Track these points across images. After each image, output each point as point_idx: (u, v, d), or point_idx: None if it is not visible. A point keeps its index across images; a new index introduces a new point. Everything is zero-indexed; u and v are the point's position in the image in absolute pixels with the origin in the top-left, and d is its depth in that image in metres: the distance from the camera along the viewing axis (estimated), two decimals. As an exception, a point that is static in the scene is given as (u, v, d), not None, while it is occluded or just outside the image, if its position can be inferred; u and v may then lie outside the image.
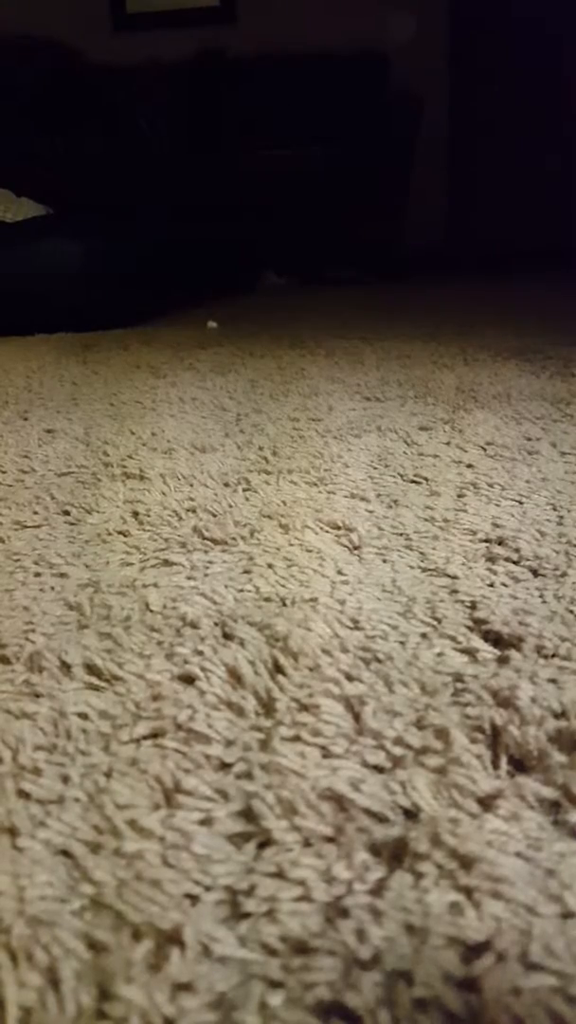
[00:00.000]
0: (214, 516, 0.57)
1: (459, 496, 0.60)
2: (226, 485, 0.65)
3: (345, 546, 0.51)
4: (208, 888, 0.25)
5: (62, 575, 0.49)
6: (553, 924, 0.24)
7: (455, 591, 0.44)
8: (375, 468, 0.68)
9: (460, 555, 0.49)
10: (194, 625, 0.41)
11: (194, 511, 0.58)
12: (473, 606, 0.42)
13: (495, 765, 0.30)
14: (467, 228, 3.00)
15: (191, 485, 0.65)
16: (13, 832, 0.28)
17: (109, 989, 0.22)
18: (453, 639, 0.39)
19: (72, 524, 0.57)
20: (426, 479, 0.64)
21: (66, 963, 0.23)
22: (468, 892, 0.25)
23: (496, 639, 0.39)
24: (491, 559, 0.48)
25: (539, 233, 2.90)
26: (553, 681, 0.35)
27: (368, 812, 0.28)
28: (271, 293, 2.36)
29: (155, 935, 0.24)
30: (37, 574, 0.49)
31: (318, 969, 0.23)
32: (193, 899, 0.25)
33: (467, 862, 0.26)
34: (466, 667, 0.37)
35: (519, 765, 0.31)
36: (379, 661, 0.37)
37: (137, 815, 0.28)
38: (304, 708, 0.34)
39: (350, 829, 0.27)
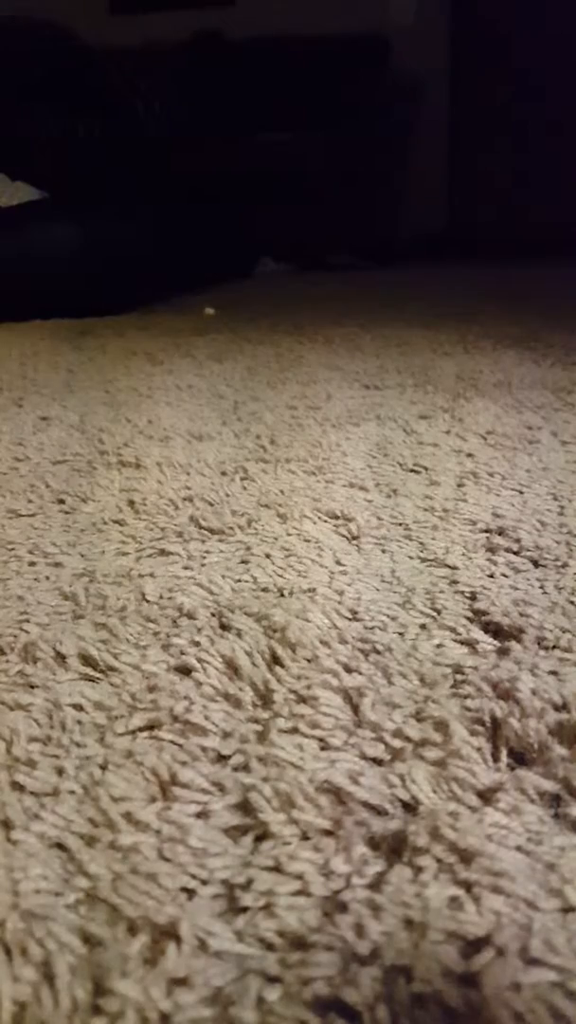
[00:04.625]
0: (211, 505, 0.57)
1: (459, 486, 0.60)
2: (223, 474, 0.64)
3: (344, 536, 0.51)
4: (204, 882, 0.25)
5: (57, 564, 0.48)
6: (553, 919, 0.23)
7: (455, 582, 0.44)
8: (374, 457, 0.67)
9: (460, 545, 0.49)
10: (191, 616, 0.41)
11: (191, 500, 0.58)
12: (473, 597, 0.42)
13: (495, 758, 0.30)
14: (468, 214, 2.97)
15: (188, 474, 0.64)
16: (7, 825, 0.28)
17: (104, 984, 0.22)
18: (453, 630, 0.39)
19: (67, 513, 0.57)
20: (425, 468, 0.64)
21: (61, 957, 0.23)
22: (468, 886, 0.24)
23: (496, 630, 0.39)
24: (491, 549, 0.48)
25: (541, 219, 2.88)
26: (554, 673, 0.35)
27: (367, 805, 0.28)
28: (269, 279, 2.34)
29: (151, 929, 0.24)
30: (32, 563, 0.48)
31: (316, 964, 0.22)
32: (189, 893, 0.25)
33: (467, 856, 0.25)
34: (466, 659, 0.36)
35: (519, 758, 0.30)
36: (378, 652, 0.37)
37: (133, 808, 0.28)
38: (302, 700, 0.33)
39: (348, 822, 0.27)
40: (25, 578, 0.46)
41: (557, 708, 0.32)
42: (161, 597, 0.43)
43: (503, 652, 0.37)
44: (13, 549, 0.51)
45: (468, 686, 0.34)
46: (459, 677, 0.35)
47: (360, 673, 0.35)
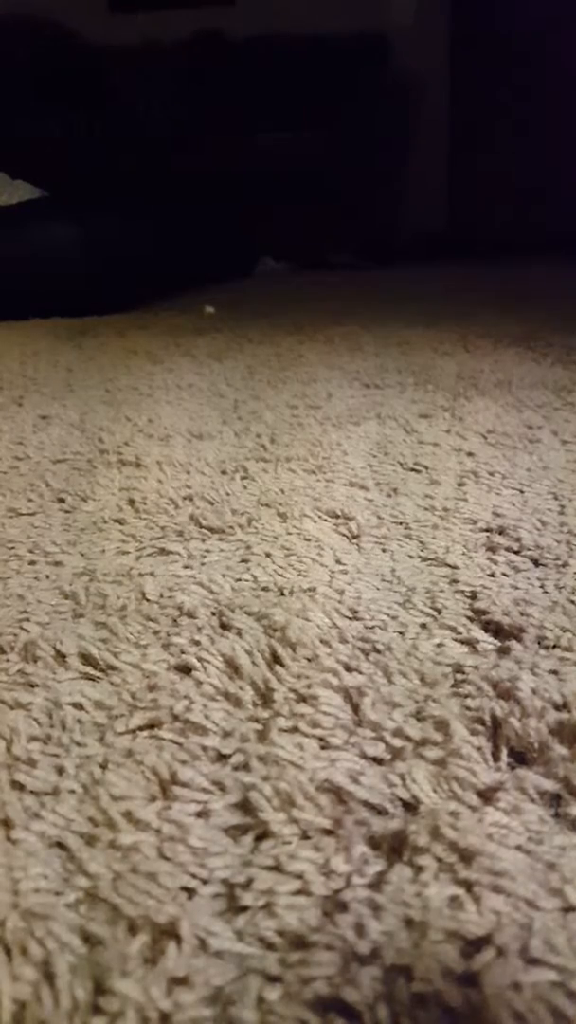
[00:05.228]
0: (211, 504, 0.57)
1: (459, 485, 0.60)
2: (223, 473, 0.64)
3: (344, 535, 0.51)
4: (205, 881, 0.25)
5: (57, 563, 0.48)
6: (554, 918, 0.23)
7: (455, 581, 0.44)
8: (374, 456, 0.67)
9: (460, 544, 0.49)
10: (191, 615, 0.41)
11: (191, 499, 0.58)
12: (473, 596, 0.42)
13: (495, 757, 0.30)
14: (468, 214, 2.97)
15: (188, 473, 0.64)
16: (7, 824, 0.28)
17: (104, 983, 0.22)
18: (453, 629, 0.39)
19: (67, 512, 0.57)
20: (426, 467, 0.64)
21: (61, 957, 0.23)
22: (468, 886, 0.24)
23: (497, 629, 0.39)
24: (491, 548, 0.48)
25: (542, 217, 2.87)
26: (554, 672, 0.35)
27: (367, 804, 0.28)
28: (269, 278, 2.34)
29: (151, 929, 0.23)
30: (32, 562, 0.48)
31: (316, 964, 0.22)
32: (189, 892, 0.25)
33: (467, 855, 0.25)
34: (466, 658, 0.36)
35: (520, 757, 0.30)
36: (378, 652, 0.37)
37: (133, 807, 0.28)
38: (302, 699, 0.33)
39: (349, 822, 0.27)
40: (25, 577, 0.46)
41: (557, 707, 0.32)
42: (161, 596, 0.43)
43: (503, 651, 0.37)
44: (13, 548, 0.51)
45: (468, 685, 0.34)
46: (459, 676, 0.35)
47: (360, 672, 0.35)
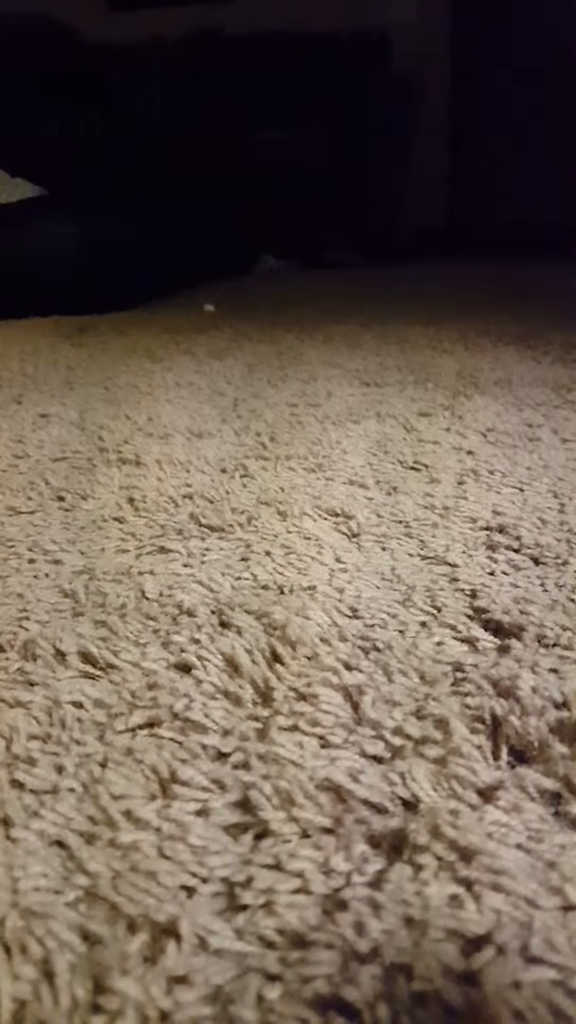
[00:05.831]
0: (211, 503, 0.57)
1: (459, 483, 0.60)
2: (223, 471, 0.64)
3: (344, 533, 0.51)
4: (204, 880, 0.25)
5: (56, 562, 0.48)
6: (554, 917, 0.23)
7: (455, 579, 0.44)
8: (374, 454, 0.67)
9: (460, 543, 0.49)
10: (191, 613, 0.41)
11: (191, 497, 0.58)
12: (473, 595, 0.42)
13: (495, 756, 0.30)
14: (468, 214, 2.97)
15: (188, 471, 0.64)
16: (7, 823, 0.28)
17: (104, 982, 0.22)
18: (453, 628, 0.39)
19: (67, 510, 0.57)
20: (426, 466, 0.64)
21: (60, 956, 0.23)
22: (468, 885, 0.24)
23: (496, 628, 0.39)
24: (491, 547, 0.48)
25: (541, 219, 2.87)
26: (554, 671, 0.35)
27: (367, 803, 0.28)
28: (268, 277, 2.34)
29: (151, 928, 0.23)
30: (31, 561, 0.48)
31: (316, 962, 0.22)
32: (189, 891, 0.25)
33: (467, 854, 0.25)
34: (466, 656, 0.36)
35: (520, 756, 0.30)
36: (378, 650, 0.37)
37: (133, 805, 0.28)
38: (302, 697, 0.33)
39: (348, 820, 0.27)
40: (25, 575, 0.46)
41: (557, 706, 0.32)
42: (161, 595, 0.43)
43: (503, 650, 0.37)
44: (13, 546, 0.50)
45: (468, 684, 0.34)
46: (459, 675, 0.35)
47: (360, 671, 0.35)
